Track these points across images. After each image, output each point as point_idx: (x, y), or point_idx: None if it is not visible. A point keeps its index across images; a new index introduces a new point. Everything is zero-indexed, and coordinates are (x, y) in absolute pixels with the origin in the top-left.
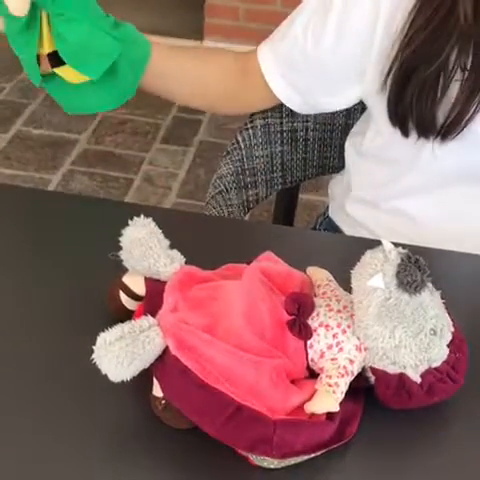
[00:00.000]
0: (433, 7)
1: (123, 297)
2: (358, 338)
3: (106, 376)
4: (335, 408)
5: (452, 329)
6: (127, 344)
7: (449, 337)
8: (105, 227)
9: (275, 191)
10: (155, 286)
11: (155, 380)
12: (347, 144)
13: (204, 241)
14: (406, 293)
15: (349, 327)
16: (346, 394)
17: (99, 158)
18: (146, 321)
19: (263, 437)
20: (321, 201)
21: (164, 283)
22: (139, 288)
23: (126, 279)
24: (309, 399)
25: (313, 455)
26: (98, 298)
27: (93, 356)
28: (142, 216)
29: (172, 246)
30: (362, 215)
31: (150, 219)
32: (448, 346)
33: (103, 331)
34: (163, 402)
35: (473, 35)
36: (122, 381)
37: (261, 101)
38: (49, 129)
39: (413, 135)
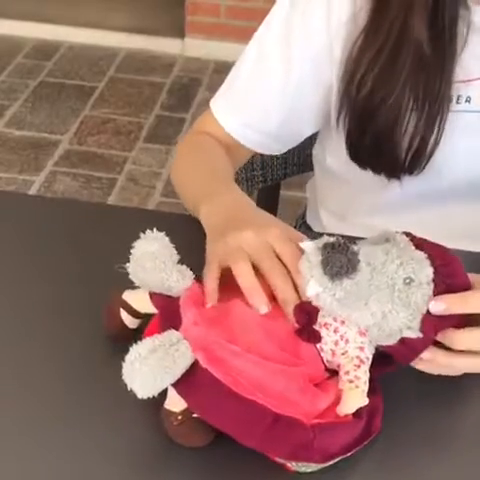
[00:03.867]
0: (381, 40)
1: (123, 314)
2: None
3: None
4: (364, 401)
5: (428, 262)
6: (160, 358)
7: (429, 272)
8: (87, 231)
9: (256, 189)
10: (169, 302)
11: (171, 394)
12: (314, 153)
13: (187, 241)
14: (344, 279)
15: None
16: None
17: (82, 159)
18: (174, 335)
19: (304, 443)
20: (306, 198)
21: (177, 299)
22: (141, 305)
23: (127, 296)
24: (335, 400)
25: (349, 454)
26: (80, 306)
27: (124, 371)
28: (155, 230)
29: None
30: (332, 226)
31: (163, 233)
32: (434, 279)
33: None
34: (179, 417)
35: (426, 62)
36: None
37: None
38: (31, 130)
39: (383, 175)
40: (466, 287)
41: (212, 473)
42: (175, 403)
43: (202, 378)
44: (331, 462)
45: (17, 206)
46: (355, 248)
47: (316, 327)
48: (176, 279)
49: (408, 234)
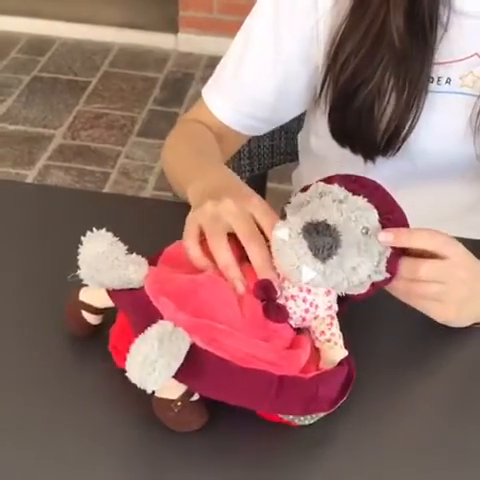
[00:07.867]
0: (363, 30)
1: (85, 315)
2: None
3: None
4: (345, 353)
5: (371, 206)
6: (168, 347)
7: (376, 215)
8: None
9: (243, 179)
10: (133, 296)
11: (166, 383)
12: (299, 138)
13: (179, 230)
14: (333, 257)
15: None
16: None
17: (75, 153)
18: (168, 324)
19: (310, 396)
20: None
21: (140, 290)
22: (99, 301)
23: (83, 296)
24: (311, 352)
25: (345, 398)
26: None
27: (132, 368)
28: (94, 229)
29: (150, 234)
30: None
31: (104, 229)
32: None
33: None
34: (179, 404)
35: (406, 53)
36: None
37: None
38: (25, 125)
39: (360, 154)
40: (404, 222)
41: (210, 454)
42: (172, 391)
43: (204, 359)
44: (334, 408)
45: (13, 194)
46: (332, 223)
47: (281, 300)
48: (134, 270)
49: (335, 179)
